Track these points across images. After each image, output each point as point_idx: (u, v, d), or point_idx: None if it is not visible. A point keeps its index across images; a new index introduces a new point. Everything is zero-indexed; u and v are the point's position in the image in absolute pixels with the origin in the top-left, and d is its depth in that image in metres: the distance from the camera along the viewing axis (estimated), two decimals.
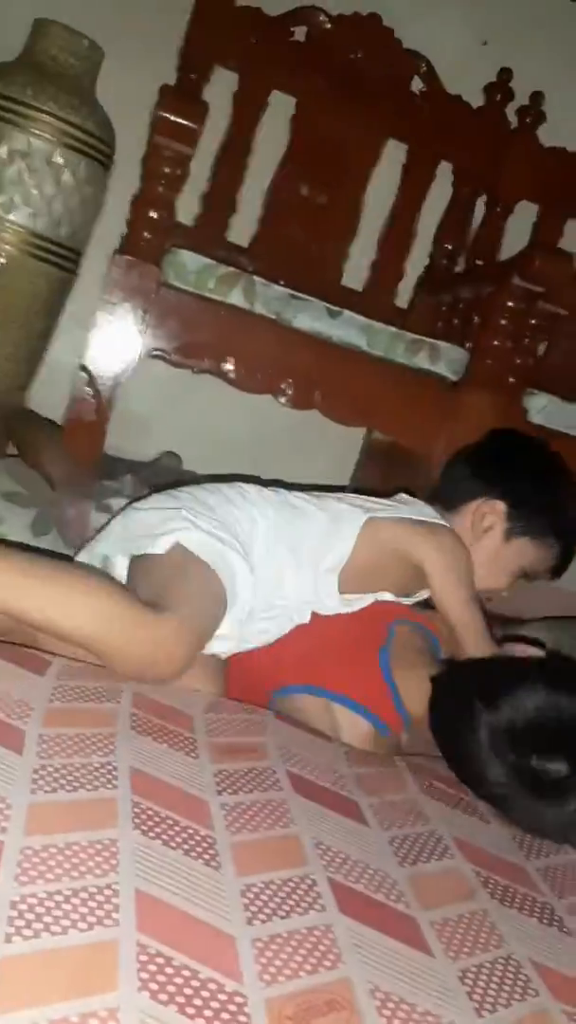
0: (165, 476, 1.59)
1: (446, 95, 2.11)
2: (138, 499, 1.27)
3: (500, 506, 1.35)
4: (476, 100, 2.15)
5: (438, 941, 0.71)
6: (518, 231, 2.19)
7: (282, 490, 1.32)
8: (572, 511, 1.39)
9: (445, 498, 1.39)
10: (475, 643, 1.22)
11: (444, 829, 0.91)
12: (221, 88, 2.01)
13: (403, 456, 1.87)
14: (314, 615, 1.25)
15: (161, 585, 1.05)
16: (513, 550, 1.36)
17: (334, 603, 1.24)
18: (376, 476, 2.09)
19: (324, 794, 0.89)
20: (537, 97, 2.15)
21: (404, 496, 1.38)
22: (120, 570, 1.14)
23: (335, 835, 0.81)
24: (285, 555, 1.22)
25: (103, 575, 1.09)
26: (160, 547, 1.09)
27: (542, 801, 0.98)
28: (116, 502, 1.41)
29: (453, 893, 0.80)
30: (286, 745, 0.97)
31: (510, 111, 2.16)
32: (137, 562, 1.13)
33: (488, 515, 1.35)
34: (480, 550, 1.34)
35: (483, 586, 1.35)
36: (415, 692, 1.16)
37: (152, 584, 1.06)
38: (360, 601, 1.26)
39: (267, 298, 1.59)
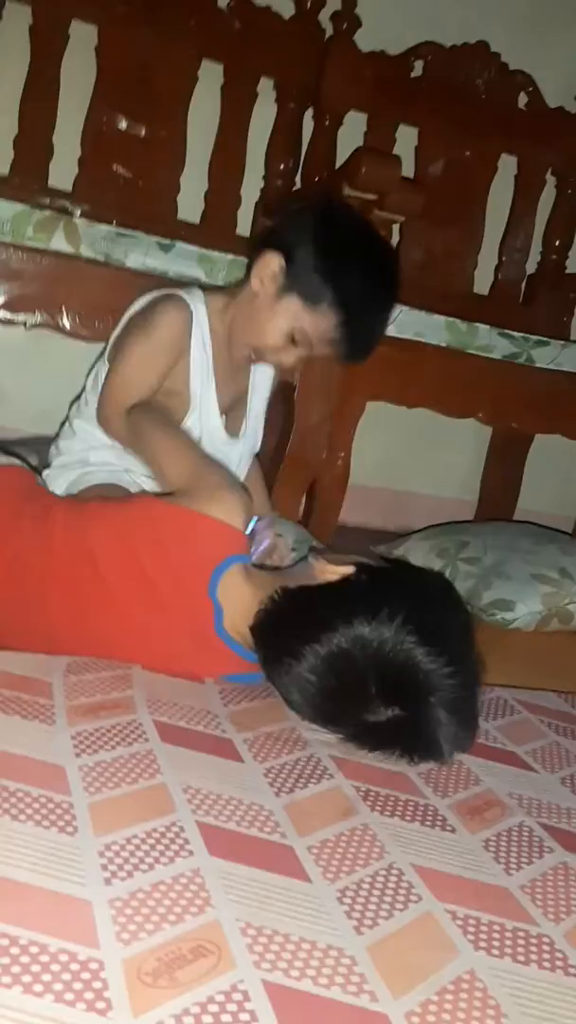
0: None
1: (254, 6, 2.01)
2: None
3: (276, 259, 1.30)
4: (288, 10, 2.07)
5: (315, 865, 0.70)
6: (353, 144, 2.12)
7: None
8: (360, 285, 1.30)
9: (252, 252, 1.36)
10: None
11: (322, 751, 0.89)
12: (19, 23, 1.89)
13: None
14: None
15: None
16: (283, 307, 1.30)
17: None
18: None
19: (195, 738, 0.86)
20: (350, 0, 2.08)
21: None
22: None
23: (206, 777, 0.79)
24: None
25: None
26: None
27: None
28: None
29: (332, 814, 0.78)
30: (154, 695, 0.93)
31: (324, 18, 2.08)
32: None
33: (264, 266, 1.30)
34: (254, 301, 1.32)
35: (250, 341, 1.34)
36: None
37: None
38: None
39: (92, 239, 1.50)
